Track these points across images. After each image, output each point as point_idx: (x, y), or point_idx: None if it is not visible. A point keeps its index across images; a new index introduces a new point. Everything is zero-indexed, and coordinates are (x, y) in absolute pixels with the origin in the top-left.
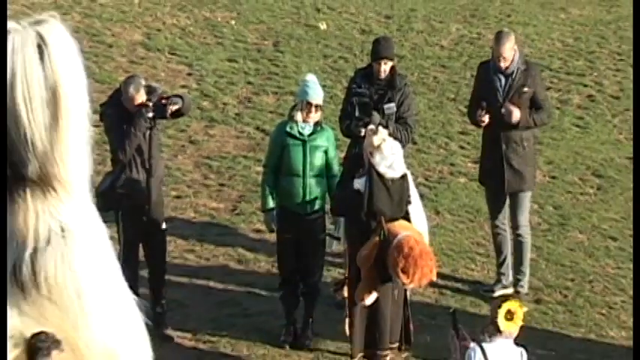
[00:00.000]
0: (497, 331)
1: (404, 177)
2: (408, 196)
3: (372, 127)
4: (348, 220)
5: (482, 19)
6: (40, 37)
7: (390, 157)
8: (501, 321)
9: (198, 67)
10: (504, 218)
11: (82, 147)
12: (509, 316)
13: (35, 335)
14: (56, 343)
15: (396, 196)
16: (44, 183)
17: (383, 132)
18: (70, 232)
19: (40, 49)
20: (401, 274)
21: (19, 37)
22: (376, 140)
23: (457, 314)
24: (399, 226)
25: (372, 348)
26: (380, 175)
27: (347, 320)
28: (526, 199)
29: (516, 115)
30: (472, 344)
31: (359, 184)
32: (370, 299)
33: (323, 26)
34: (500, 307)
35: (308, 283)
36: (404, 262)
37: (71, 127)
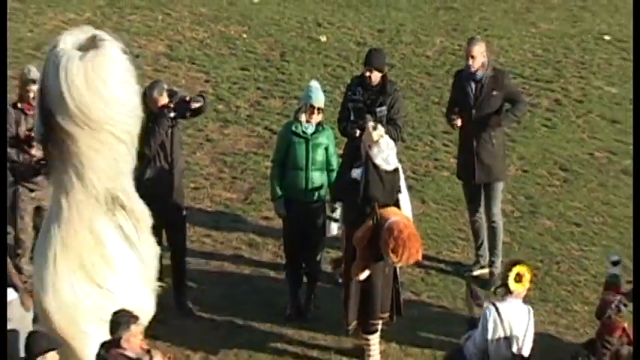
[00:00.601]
0: (508, 291)
1: (396, 170)
2: (399, 187)
3: (372, 123)
4: (345, 205)
5: (462, 33)
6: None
7: (386, 151)
8: (512, 283)
9: (214, 74)
10: (480, 208)
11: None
12: (518, 278)
13: (116, 312)
14: (134, 318)
15: (388, 186)
16: None
17: (381, 129)
18: None
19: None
20: (391, 254)
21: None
22: (375, 135)
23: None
24: (390, 212)
25: (365, 318)
26: (375, 167)
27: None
28: (497, 191)
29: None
30: (486, 304)
31: (356, 173)
32: (363, 275)
33: (323, 39)
34: (510, 270)
35: (310, 264)
36: (394, 243)
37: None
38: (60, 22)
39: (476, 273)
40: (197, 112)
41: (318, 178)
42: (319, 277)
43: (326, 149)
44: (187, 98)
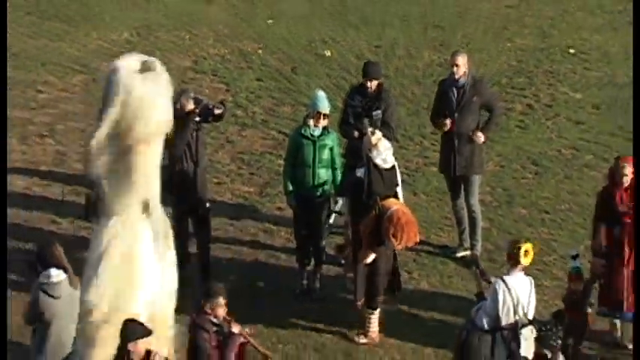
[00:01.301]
0: (517, 265)
1: (393, 167)
2: (397, 181)
3: (370, 129)
4: (351, 200)
5: (447, 48)
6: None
7: (383, 152)
8: (522, 258)
9: (233, 85)
10: (460, 198)
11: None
12: (526, 253)
13: (207, 286)
14: (221, 291)
15: (387, 181)
16: None
17: (379, 133)
18: None
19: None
20: (392, 238)
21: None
22: (374, 139)
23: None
24: (391, 202)
25: (371, 295)
26: (376, 166)
27: (348, 276)
28: (475, 184)
29: (480, 140)
30: (494, 278)
31: (360, 172)
32: (370, 259)
33: (328, 54)
34: (520, 248)
35: (316, 248)
36: (394, 229)
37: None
38: (103, 42)
39: (460, 254)
40: (219, 117)
41: (323, 174)
42: (324, 260)
43: (331, 150)
44: (210, 105)
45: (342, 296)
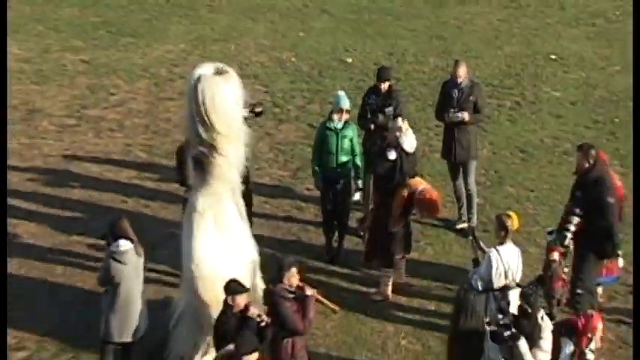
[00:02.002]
0: (507, 234)
1: (415, 152)
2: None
3: (400, 119)
4: (382, 178)
5: (449, 55)
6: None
7: (410, 139)
8: (509, 224)
9: (271, 87)
10: (459, 179)
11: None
12: (512, 220)
13: (281, 259)
14: (295, 263)
15: (412, 163)
16: None
17: (406, 123)
18: None
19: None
20: (424, 212)
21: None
22: (404, 127)
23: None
24: (418, 182)
25: (389, 256)
26: (404, 151)
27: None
28: (472, 167)
29: (465, 117)
30: (488, 249)
31: (392, 155)
32: (397, 227)
33: (349, 60)
34: (510, 220)
35: (340, 221)
36: (423, 204)
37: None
38: (163, 52)
39: (459, 226)
40: (259, 114)
41: (345, 160)
42: (346, 231)
43: (351, 140)
44: (252, 104)
45: (359, 260)
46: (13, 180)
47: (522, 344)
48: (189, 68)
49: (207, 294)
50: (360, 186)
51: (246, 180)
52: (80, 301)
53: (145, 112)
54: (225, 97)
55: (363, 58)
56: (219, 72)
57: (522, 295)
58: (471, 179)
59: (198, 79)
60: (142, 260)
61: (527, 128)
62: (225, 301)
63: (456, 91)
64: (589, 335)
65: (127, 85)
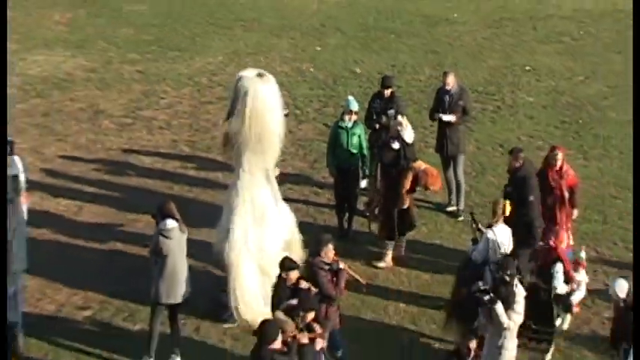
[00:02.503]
0: (502, 217)
1: (413, 143)
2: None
3: (400, 117)
4: (388, 164)
5: (441, 67)
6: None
7: (409, 131)
8: (502, 210)
9: (293, 93)
10: (450, 170)
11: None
12: (504, 208)
13: (319, 235)
14: (330, 239)
15: (413, 151)
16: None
17: (405, 120)
18: None
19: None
20: (428, 182)
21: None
22: (404, 123)
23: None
24: (420, 164)
25: (392, 231)
26: (404, 141)
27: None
28: (460, 160)
29: (453, 118)
30: (485, 229)
31: (395, 145)
32: (406, 205)
33: (358, 71)
34: (503, 205)
35: (350, 204)
36: (427, 179)
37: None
38: (203, 63)
39: (449, 209)
40: (285, 116)
41: (354, 153)
42: (355, 213)
43: (359, 137)
44: None
45: (367, 237)
46: (81, 169)
47: (499, 307)
48: (227, 77)
49: (239, 264)
50: (367, 174)
51: None
52: (135, 269)
53: (189, 114)
54: (262, 95)
55: (369, 68)
56: (259, 75)
57: (500, 267)
58: (460, 170)
59: (240, 79)
60: (185, 236)
61: (506, 128)
62: (280, 276)
63: (447, 96)
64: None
65: (174, 91)
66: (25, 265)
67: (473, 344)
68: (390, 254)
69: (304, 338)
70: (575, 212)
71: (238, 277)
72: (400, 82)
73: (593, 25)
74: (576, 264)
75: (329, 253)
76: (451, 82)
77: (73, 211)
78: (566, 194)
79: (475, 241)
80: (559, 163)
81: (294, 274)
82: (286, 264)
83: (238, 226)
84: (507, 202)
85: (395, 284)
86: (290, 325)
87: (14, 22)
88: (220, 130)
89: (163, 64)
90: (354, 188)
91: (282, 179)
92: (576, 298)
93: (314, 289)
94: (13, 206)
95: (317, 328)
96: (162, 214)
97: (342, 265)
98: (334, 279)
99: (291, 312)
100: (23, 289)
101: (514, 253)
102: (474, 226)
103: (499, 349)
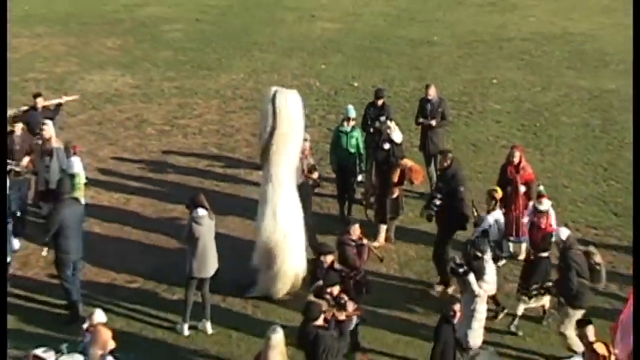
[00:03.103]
0: (496, 203)
1: (401, 143)
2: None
3: (388, 122)
4: (380, 162)
5: (423, 80)
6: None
7: (397, 133)
8: (497, 195)
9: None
10: (431, 166)
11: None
12: (497, 192)
13: (347, 218)
14: (356, 221)
15: (401, 151)
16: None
17: (394, 124)
18: None
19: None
20: (413, 177)
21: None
22: (392, 127)
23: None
24: (407, 161)
25: (384, 215)
26: (393, 142)
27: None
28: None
29: (433, 123)
30: (483, 213)
31: (387, 146)
32: (395, 195)
33: (356, 84)
34: (497, 192)
35: (349, 195)
36: (411, 175)
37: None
38: (228, 79)
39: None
40: None
41: (352, 152)
42: (353, 202)
43: (356, 139)
44: None
45: (364, 221)
46: (128, 168)
47: (471, 277)
48: (247, 91)
49: (274, 243)
50: (363, 169)
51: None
52: (172, 249)
53: (217, 121)
54: (291, 108)
55: (364, 82)
56: (285, 92)
57: (473, 244)
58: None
59: (275, 93)
60: (213, 222)
61: (477, 130)
62: (318, 258)
63: (429, 105)
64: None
65: (204, 103)
66: (81, 254)
67: (457, 307)
68: (382, 235)
69: (341, 315)
70: (530, 204)
71: (281, 256)
72: (390, 93)
73: (548, 45)
74: (539, 196)
75: (355, 231)
76: (432, 92)
77: (122, 202)
78: (522, 188)
79: (477, 225)
80: (516, 160)
81: (329, 258)
82: (323, 248)
83: (269, 211)
84: (499, 189)
85: (386, 259)
86: (322, 305)
87: (75, 49)
88: (262, 137)
89: (195, 81)
90: (352, 182)
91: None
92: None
93: (346, 269)
94: (70, 200)
95: (345, 299)
96: (194, 204)
97: (365, 242)
98: (359, 253)
99: (320, 292)
100: (82, 268)
101: (450, 236)
102: (474, 212)
103: (472, 312)
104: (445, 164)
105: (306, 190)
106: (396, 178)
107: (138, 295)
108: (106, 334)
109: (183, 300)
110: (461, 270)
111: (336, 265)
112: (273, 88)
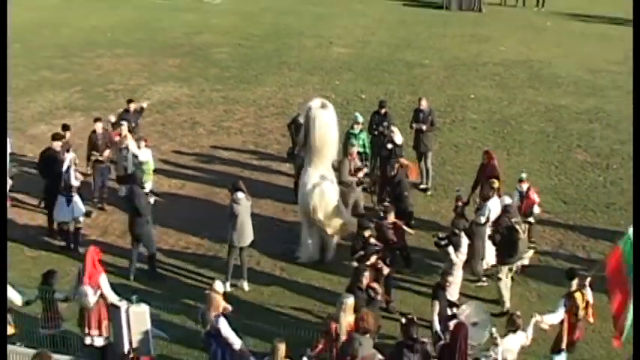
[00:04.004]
0: (494, 192)
1: (402, 144)
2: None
3: (393, 127)
4: (384, 159)
5: (417, 94)
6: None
7: (399, 137)
8: (496, 185)
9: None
10: (422, 162)
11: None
12: (495, 184)
13: (384, 205)
14: (391, 207)
15: (401, 150)
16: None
17: (395, 129)
18: None
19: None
20: (408, 175)
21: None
22: (396, 131)
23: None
24: (404, 160)
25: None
26: (395, 143)
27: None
28: (429, 155)
29: (424, 127)
30: (483, 203)
31: (389, 146)
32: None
33: (363, 97)
34: (494, 184)
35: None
36: (408, 170)
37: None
38: (262, 91)
39: (421, 187)
40: None
41: (360, 151)
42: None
43: (363, 140)
44: None
45: (369, 206)
46: (185, 160)
47: (450, 249)
48: (277, 101)
49: (316, 217)
50: (367, 164)
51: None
52: (218, 223)
53: (253, 124)
54: (322, 121)
55: (370, 95)
56: (323, 105)
57: (452, 224)
58: (429, 162)
59: (309, 108)
60: (249, 203)
61: (458, 135)
62: (358, 232)
63: (421, 114)
64: None
65: (244, 109)
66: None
67: (450, 278)
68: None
69: (378, 288)
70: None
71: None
72: (390, 104)
73: (515, 68)
74: (520, 181)
75: (391, 216)
76: (424, 104)
77: (178, 187)
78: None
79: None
80: (487, 161)
81: (367, 232)
82: (363, 223)
83: (307, 192)
84: (496, 181)
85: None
86: (364, 270)
87: (145, 66)
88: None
89: (237, 92)
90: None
91: None
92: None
93: (380, 244)
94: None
95: (382, 265)
96: (234, 189)
97: (398, 223)
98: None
99: (360, 260)
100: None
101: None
102: (475, 200)
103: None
104: (392, 173)
105: (351, 186)
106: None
107: (190, 259)
108: (219, 299)
109: (226, 263)
110: (442, 243)
111: (373, 240)
112: (310, 103)
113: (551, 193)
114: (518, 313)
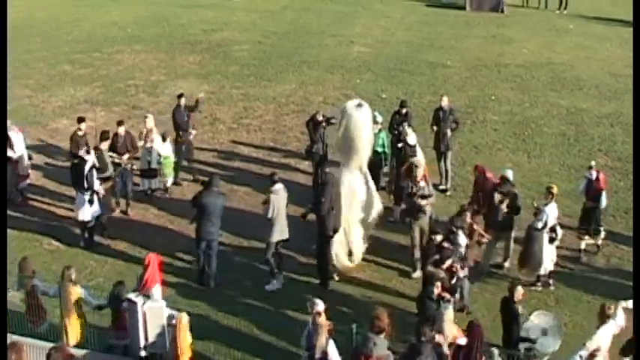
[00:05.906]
0: (553, 198)
1: (415, 144)
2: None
3: (406, 128)
4: (398, 157)
5: (438, 94)
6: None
7: (412, 137)
8: (555, 192)
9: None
10: (442, 162)
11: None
12: (556, 189)
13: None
14: (467, 210)
15: (415, 150)
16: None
17: (410, 130)
18: None
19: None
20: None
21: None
22: (409, 132)
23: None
24: (415, 159)
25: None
26: (407, 143)
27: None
28: (449, 155)
29: (449, 133)
30: (542, 207)
31: (399, 145)
32: (405, 182)
33: (384, 96)
34: (553, 188)
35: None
36: (416, 169)
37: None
38: (282, 89)
39: (441, 188)
40: (332, 124)
41: (380, 149)
42: (378, 188)
43: (383, 139)
44: (329, 118)
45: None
46: (205, 155)
47: (446, 245)
48: (297, 98)
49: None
50: (387, 164)
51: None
52: (238, 218)
53: (273, 121)
54: (357, 121)
55: (390, 95)
56: (359, 105)
57: (450, 222)
58: (448, 162)
59: (345, 109)
60: (286, 195)
61: (478, 136)
62: (430, 238)
63: (442, 113)
64: None
65: (264, 106)
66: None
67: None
68: (398, 213)
69: (449, 296)
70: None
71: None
72: (410, 104)
73: (536, 71)
74: (590, 168)
75: (467, 218)
76: (445, 104)
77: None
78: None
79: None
80: (481, 175)
81: (439, 237)
82: (434, 229)
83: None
84: (555, 186)
85: (402, 232)
86: (440, 273)
87: (164, 63)
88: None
89: (257, 89)
90: (378, 173)
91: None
92: None
93: (449, 246)
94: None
95: (458, 268)
96: (272, 181)
97: (475, 226)
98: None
99: (436, 264)
100: None
101: (325, 235)
102: (535, 205)
103: None
104: (320, 180)
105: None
106: (405, 171)
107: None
108: (324, 321)
109: (265, 261)
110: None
111: (446, 244)
112: (347, 103)
113: (571, 197)
114: (609, 303)
